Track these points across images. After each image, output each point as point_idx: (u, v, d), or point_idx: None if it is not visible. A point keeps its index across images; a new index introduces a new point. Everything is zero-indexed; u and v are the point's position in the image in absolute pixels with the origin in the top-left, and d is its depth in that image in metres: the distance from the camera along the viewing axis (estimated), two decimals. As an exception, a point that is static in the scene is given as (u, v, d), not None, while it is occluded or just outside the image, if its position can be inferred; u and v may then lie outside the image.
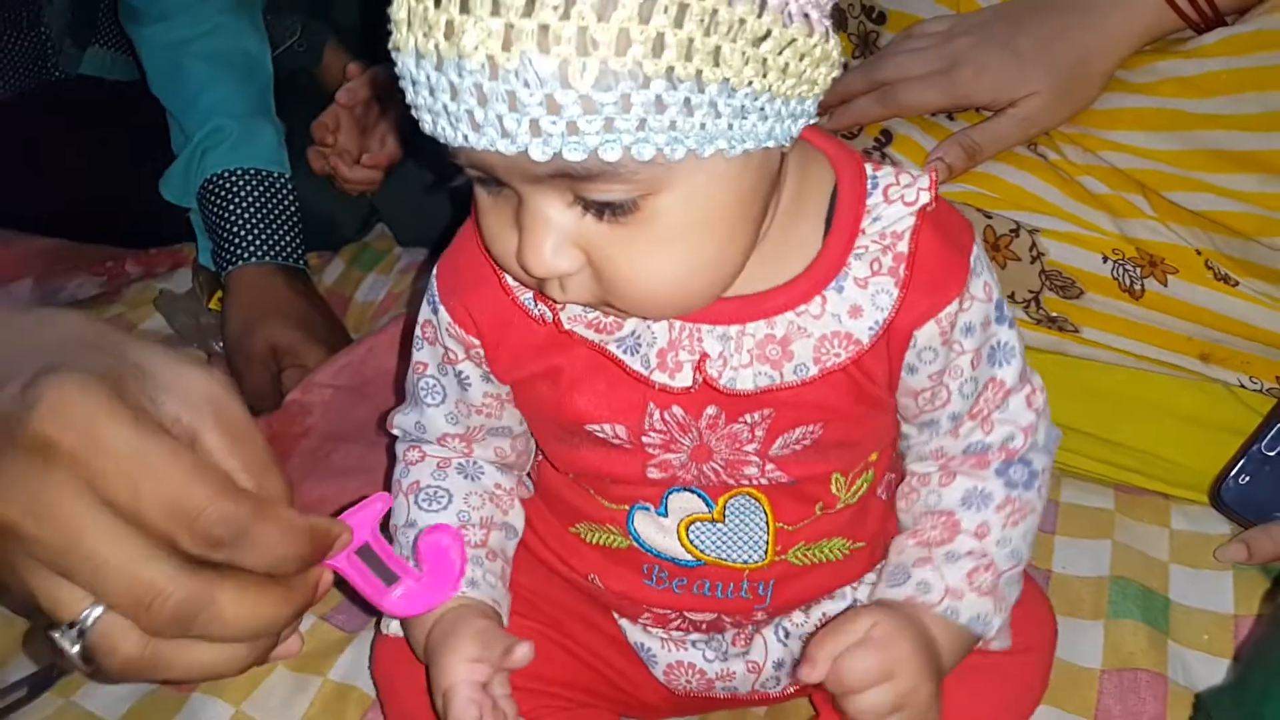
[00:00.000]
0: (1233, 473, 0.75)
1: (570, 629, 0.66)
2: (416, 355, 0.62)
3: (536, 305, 0.55)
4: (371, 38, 1.23)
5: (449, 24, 0.39)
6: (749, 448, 0.56)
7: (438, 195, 1.08)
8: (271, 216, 1.06)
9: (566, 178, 0.43)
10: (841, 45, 0.46)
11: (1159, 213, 0.77)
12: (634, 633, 0.66)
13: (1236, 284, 0.75)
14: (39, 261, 1.24)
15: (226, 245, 1.05)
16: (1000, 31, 0.82)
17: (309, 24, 1.24)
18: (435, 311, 0.59)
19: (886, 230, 0.53)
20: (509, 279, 0.55)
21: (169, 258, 1.22)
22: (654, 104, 0.40)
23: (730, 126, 0.42)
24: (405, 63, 0.42)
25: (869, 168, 0.55)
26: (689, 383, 0.53)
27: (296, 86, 1.23)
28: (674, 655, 0.65)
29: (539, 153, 0.40)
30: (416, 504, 0.62)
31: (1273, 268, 0.73)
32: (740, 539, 0.60)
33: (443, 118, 0.42)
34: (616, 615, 0.66)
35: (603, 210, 0.44)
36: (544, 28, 0.38)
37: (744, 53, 0.41)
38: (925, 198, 0.53)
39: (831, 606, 0.64)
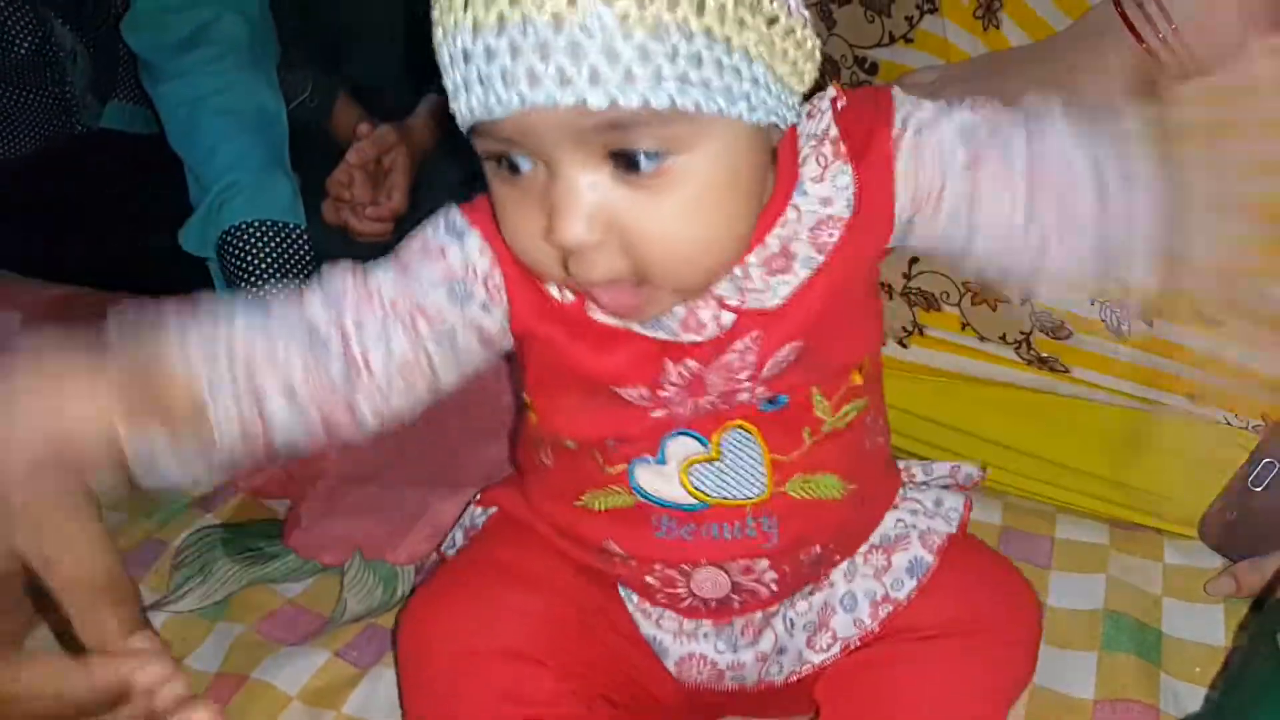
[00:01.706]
0: (1221, 508, 0.76)
1: (591, 622, 0.67)
2: (421, 238, 0.61)
3: (561, 290, 0.58)
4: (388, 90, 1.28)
5: None
6: (742, 375, 0.58)
7: None
8: (288, 266, 1.09)
9: (610, 130, 0.46)
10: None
11: (1145, 257, 0.79)
12: (646, 626, 0.68)
13: (1222, 324, 0.77)
14: (59, 309, 1.25)
15: (244, 294, 1.08)
16: (987, 82, 0.84)
17: (319, 81, 1.28)
18: (461, 236, 0.59)
19: (817, 133, 0.58)
20: None
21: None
22: (695, 58, 0.46)
23: (749, 94, 0.48)
24: (459, 40, 0.46)
25: None
26: (717, 331, 0.57)
27: (308, 140, 1.27)
28: (685, 647, 0.67)
29: (598, 98, 0.45)
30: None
31: (1255, 309, 0.75)
32: (739, 474, 0.62)
33: (497, 84, 0.46)
34: (631, 608, 0.68)
35: (635, 169, 0.48)
36: None
37: (760, 29, 0.48)
38: (831, 94, 0.58)
39: (832, 594, 0.66)
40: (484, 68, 0.46)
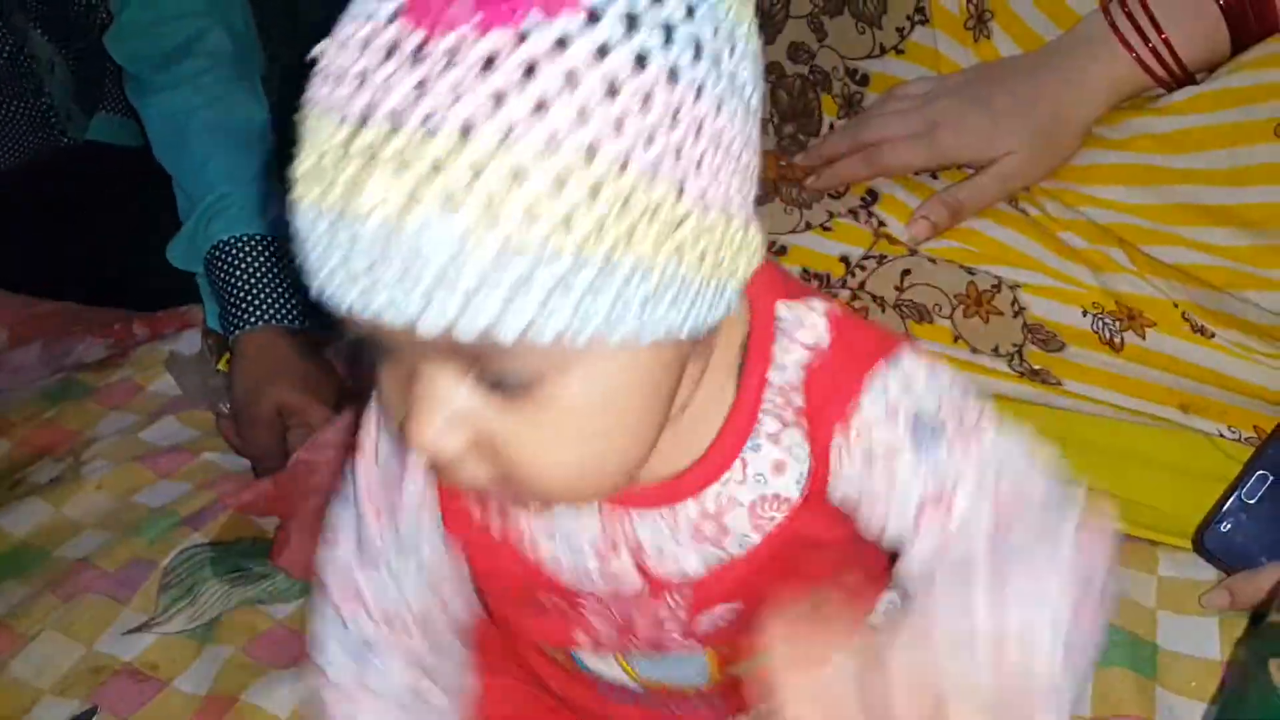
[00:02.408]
0: (1215, 521, 0.76)
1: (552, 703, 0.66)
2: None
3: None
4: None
5: (352, 179, 0.35)
6: (670, 626, 0.55)
7: None
8: (276, 280, 1.09)
9: (457, 352, 0.39)
10: (764, 226, 0.43)
11: (1137, 266, 0.79)
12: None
13: (1213, 336, 0.77)
14: (47, 324, 1.25)
15: (233, 309, 1.07)
16: (979, 92, 0.84)
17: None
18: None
19: (786, 382, 0.50)
20: None
21: (175, 320, 1.24)
22: (559, 284, 0.36)
23: (641, 312, 0.38)
24: (302, 218, 0.38)
25: (781, 307, 0.50)
26: (638, 584, 0.52)
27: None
28: None
29: (429, 326, 0.36)
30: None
31: (1245, 319, 0.75)
32: (681, 668, 0.58)
33: (335, 279, 0.37)
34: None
35: (499, 389, 0.41)
36: (448, 194, 0.34)
37: (659, 237, 0.37)
38: (820, 339, 0.49)
39: None
40: (321, 258, 0.38)
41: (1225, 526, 0.75)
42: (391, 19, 0.36)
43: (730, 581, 0.52)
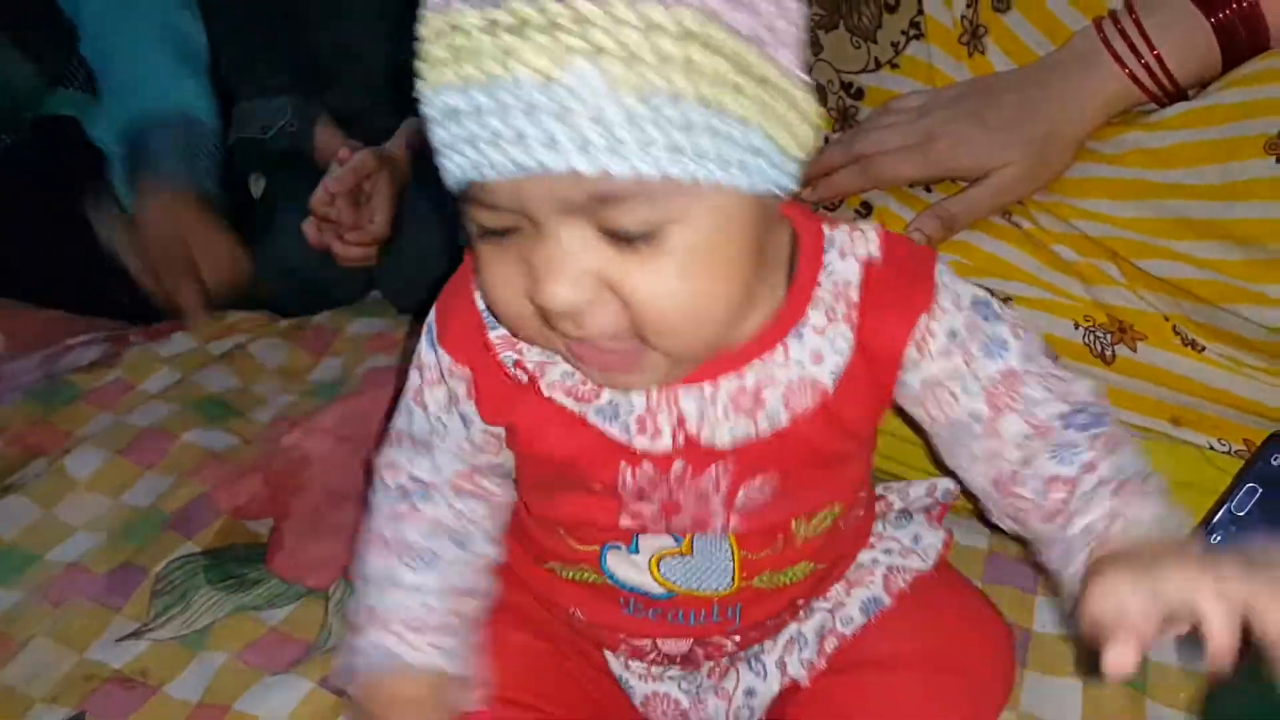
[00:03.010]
0: (1205, 533, 0.76)
1: (564, 649, 0.68)
2: (422, 397, 0.63)
3: (515, 369, 0.57)
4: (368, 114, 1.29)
5: (503, 48, 0.42)
6: (715, 500, 0.58)
7: (432, 267, 1.11)
8: (194, 158, 1.12)
9: (597, 203, 0.45)
10: (823, 118, 0.49)
11: (1129, 279, 0.80)
12: (614, 664, 0.68)
13: (1203, 349, 0.77)
14: (44, 334, 1.26)
15: (145, 170, 1.14)
16: (973, 105, 0.85)
17: (300, 105, 1.29)
18: (435, 351, 0.61)
19: (839, 281, 0.56)
20: (492, 335, 0.57)
21: (169, 324, 1.25)
22: (686, 124, 0.43)
23: (744, 162, 0.45)
24: (448, 98, 0.44)
25: (826, 228, 0.59)
26: (669, 445, 0.56)
27: (289, 164, 1.28)
28: (650, 687, 0.68)
29: (586, 164, 0.42)
30: (402, 561, 0.64)
31: (1236, 333, 0.76)
32: (708, 570, 0.62)
33: (487, 146, 0.44)
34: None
35: (625, 240, 0.46)
36: (596, 46, 0.41)
37: (756, 94, 0.45)
38: (873, 251, 0.57)
39: (806, 626, 0.67)
40: (473, 127, 0.44)
41: (1215, 539, 0.76)
42: None
43: (767, 455, 0.57)
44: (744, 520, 0.59)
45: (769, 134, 0.46)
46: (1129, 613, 0.47)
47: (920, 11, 0.91)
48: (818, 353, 0.56)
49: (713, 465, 0.57)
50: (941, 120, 0.86)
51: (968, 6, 0.89)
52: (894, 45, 0.93)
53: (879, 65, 0.94)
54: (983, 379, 0.59)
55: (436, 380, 0.62)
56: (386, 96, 1.24)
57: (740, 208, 0.48)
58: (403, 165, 1.24)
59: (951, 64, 0.91)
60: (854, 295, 0.56)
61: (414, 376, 0.64)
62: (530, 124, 0.42)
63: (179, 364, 1.17)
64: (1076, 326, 0.80)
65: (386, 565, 0.65)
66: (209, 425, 1.06)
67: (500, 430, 0.62)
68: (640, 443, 0.56)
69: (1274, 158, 0.73)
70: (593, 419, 0.56)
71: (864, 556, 0.69)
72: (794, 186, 0.49)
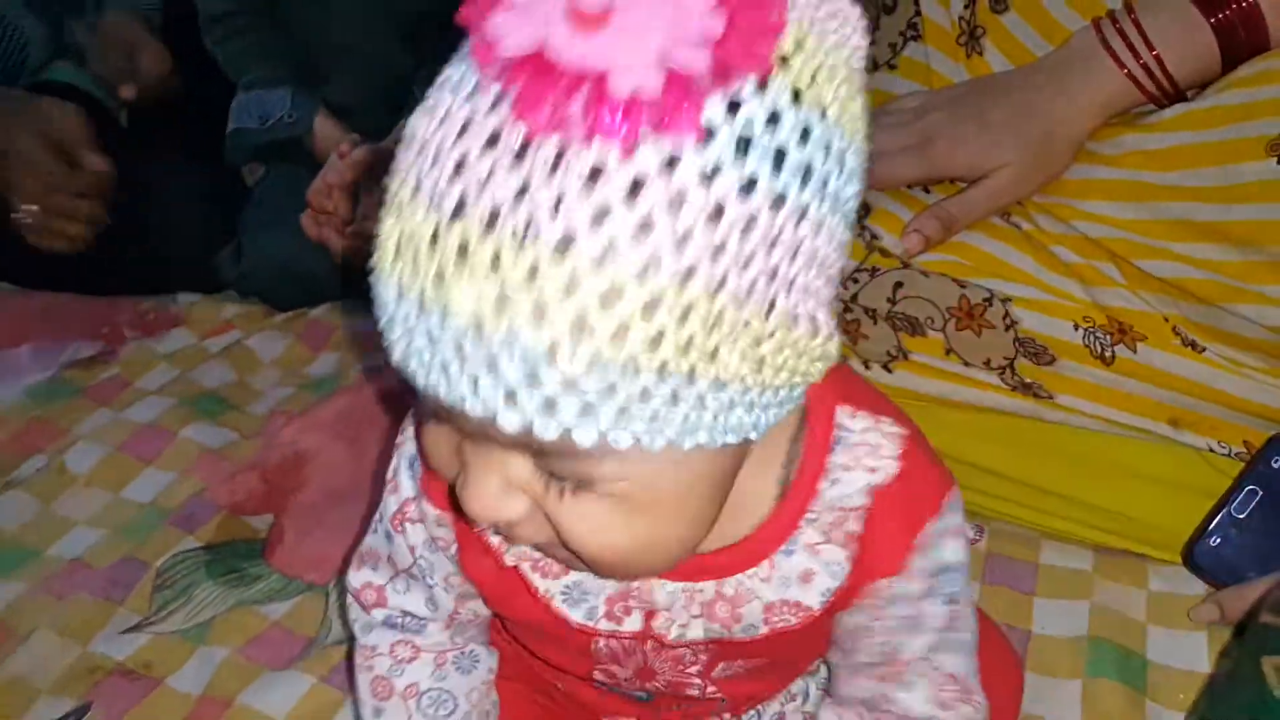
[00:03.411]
0: (1205, 535, 0.76)
1: (553, 694, 0.68)
2: (405, 539, 0.59)
3: (486, 530, 0.53)
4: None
5: (441, 272, 0.35)
6: (691, 669, 0.56)
7: None
8: None
9: (526, 446, 0.39)
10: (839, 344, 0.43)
11: (1129, 280, 0.80)
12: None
13: (1203, 350, 0.78)
14: (37, 323, 1.26)
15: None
16: (971, 106, 0.85)
17: (299, 98, 1.30)
18: (418, 497, 0.57)
19: (841, 502, 0.51)
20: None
21: (166, 320, 1.26)
22: (639, 395, 0.36)
23: (715, 419, 0.38)
24: (386, 289, 0.38)
25: (843, 414, 0.52)
26: (638, 627, 0.53)
27: (287, 154, 1.28)
28: None
29: (509, 423, 0.36)
30: (420, 710, 0.62)
31: (1236, 333, 0.76)
32: (685, 685, 0.59)
33: (415, 360, 0.38)
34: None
35: (561, 480, 0.41)
36: (540, 305, 0.34)
37: (743, 352, 0.37)
38: (888, 475, 0.51)
39: (791, 706, 0.65)
40: (403, 336, 0.38)
41: (1215, 541, 0.76)
42: (494, 106, 0.34)
43: (744, 648, 0.54)
44: (722, 690, 0.58)
45: (756, 385, 0.39)
46: None
47: (918, 13, 0.91)
48: (809, 571, 0.51)
49: (685, 647, 0.55)
50: (939, 122, 0.86)
51: (965, 7, 0.89)
52: (891, 46, 0.93)
53: (877, 66, 0.94)
54: (892, 644, 0.55)
55: (417, 519, 0.58)
56: (381, 92, 1.25)
57: (702, 460, 0.41)
58: None
59: (949, 65, 0.91)
60: (854, 527, 0.51)
61: (390, 503, 0.59)
62: (457, 365, 0.36)
63: (176, 360, 1.18)
64: (1076, 328, 0.80)
65: (406, 715, 0.62)
66: (206, 421, 1.07)
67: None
68: (605, 625, 0.53)
69: (1275, 159, 0.73)
70: (557, 604, 0.53)
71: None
72: (784, 416, 0.42)
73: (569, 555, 0.45)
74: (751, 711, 0.65)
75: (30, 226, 1.24)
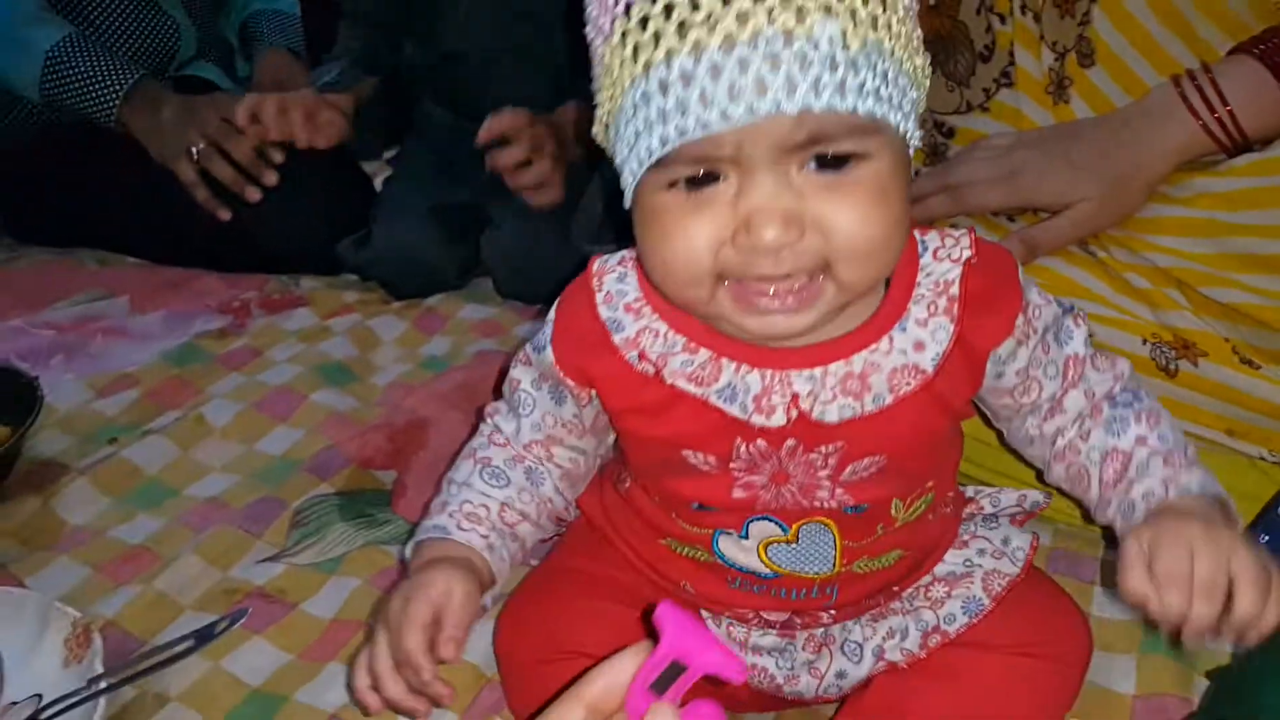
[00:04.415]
0: (1254, 534, 0.83)
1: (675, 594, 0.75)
2: (513, 372, 0.75)
3: (640, 363, 0.65)
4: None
5: (741, 13, 0.51)
6: (822, 474, 0.65)
7: (539, 251, 1.21)
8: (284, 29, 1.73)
9: (811, 142, 0.53)
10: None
11: (1193, 305, 0.88)
12: (714, 629, 0.74)
13: (1259, 368, 0.85)
14: (169, 294, 1.36)
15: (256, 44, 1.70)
16: (1059, 145, 0.94)
17: (351, 71, 1.51)
18: (541, 351, 0.70)
19: (939, 280, 0.64)
20: (616, 338, 0.65)
21: (290, 300, 1.35)
22: (883, 73, 0.53)
23: (903, 104, 0.55)
24: (679, 65, 0.52)
25: (917, 233, 0.66)
26: (784, 421, 0.62)
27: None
28: (749, 659, 0.73)
29: (820, 104, 0.51)
30: (479, 474, 0.75)
31: (1292, 355, 0.84)
32: (811, 556, 0.69)
33: (720, 102, 0.51)
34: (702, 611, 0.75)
35: (831, 166, 0.54)
36: (826, 6, 0.51)
37: (905, 29, 0.56)
38: (968, 253, 0.65)
39: (889, 623, 0.72)
40: (708, 86, 0.51)
41: (1264, 538, 0.83)
42: None
43: (873, 435, 0.64)
44: (849, 494, 0.66)
45: (921, 94, 0.58)
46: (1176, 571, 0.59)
47: (1012, 63, 1.00)
48: (920, 342, 0.63)
49: (822, 445, 0.64)
50: (1028, 158, 0.95)
51: (1055, 60, 0.98)
52: (985, 91, 1.02)
53: (970, 108, 1.03)
54: (1059, 364, 0.69)
55: (536, 368, 0.72)
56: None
57: (902, 150, 0.57)
58: (569, 134, 1.31)
59: (1038, 111, 0.99)
60: (954, 292, 0.63)
61: (521, 354, 0.74)
62: (772, 73, 0.50)
63: (302, 336, 1.27)
64: (1144, 342, 0.88)
65: (468, 473, 0.75)
66: (333, 388, 1.16)
67: (590, 418, 0.73)
68: (757, 419, 0.62)
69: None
70: (714, 400, 0.63)
71: (957, 557, 0.74)
72: (919, 142, 0.59)
73: (822, 273, 0.57)
74: (854, 644, 0.72)
75: (205, 154, 1.37)
